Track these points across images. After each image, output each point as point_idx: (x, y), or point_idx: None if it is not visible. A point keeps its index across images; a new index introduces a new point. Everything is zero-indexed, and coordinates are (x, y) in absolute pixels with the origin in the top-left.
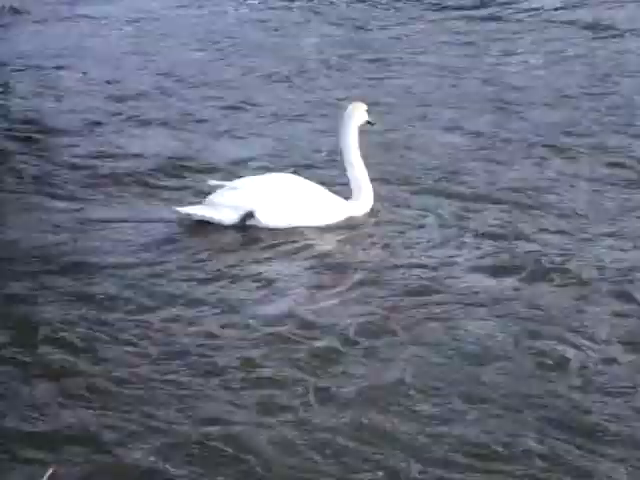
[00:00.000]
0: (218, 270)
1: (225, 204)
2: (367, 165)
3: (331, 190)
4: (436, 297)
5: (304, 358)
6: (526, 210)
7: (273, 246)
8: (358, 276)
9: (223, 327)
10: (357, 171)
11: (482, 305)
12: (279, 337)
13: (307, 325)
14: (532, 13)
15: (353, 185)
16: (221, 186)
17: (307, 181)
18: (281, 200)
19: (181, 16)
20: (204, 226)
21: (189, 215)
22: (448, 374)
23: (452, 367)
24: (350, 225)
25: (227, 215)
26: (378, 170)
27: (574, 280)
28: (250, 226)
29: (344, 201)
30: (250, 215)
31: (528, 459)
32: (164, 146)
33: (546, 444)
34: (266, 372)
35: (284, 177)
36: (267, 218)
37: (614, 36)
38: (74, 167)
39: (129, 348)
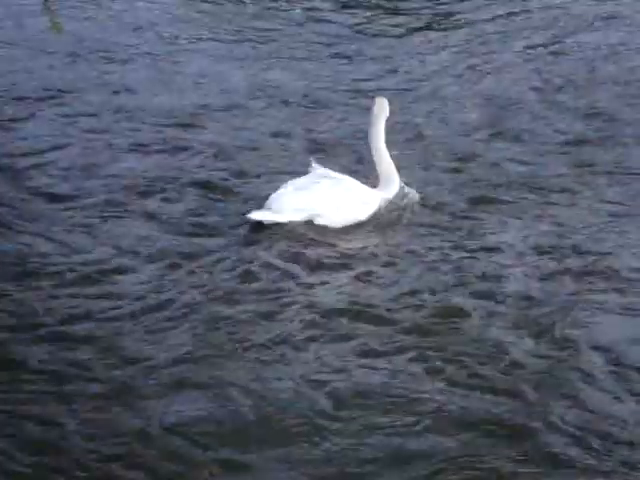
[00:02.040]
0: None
1: (291, 207)
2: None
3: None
4: None
5: None
6: None
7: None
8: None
9: None
10: (385, 160)
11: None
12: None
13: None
14: None
15: (380, 174)
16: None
17: (347, 176)
18: (339, 201)
19: None
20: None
21: (260, 221)
22: None
23: None
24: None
25: (295, 217)
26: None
27: None
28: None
29: (378, 191)
30: (313, 216)
31: None
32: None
33: None
34: None
35: (330, 175)
36: (329, 219)
37: None
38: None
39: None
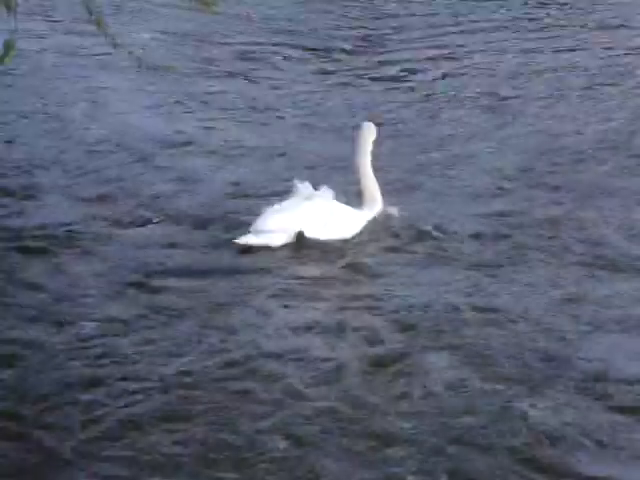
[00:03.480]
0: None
1: (276, 228)
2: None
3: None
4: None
5: None
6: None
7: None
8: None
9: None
10: (370, 182)
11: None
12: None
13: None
14: None
15: (366, 194)
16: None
17: (331, 196)
18: (323, 218)
19: None
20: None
21: (247, 245)
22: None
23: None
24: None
25: (281, 238)
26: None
27: None
28: (301, 243)
29: (360, 212)
30: (301, 234)
31: None
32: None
33: None
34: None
35: (315, 195)
36: (315, 234)
37: None
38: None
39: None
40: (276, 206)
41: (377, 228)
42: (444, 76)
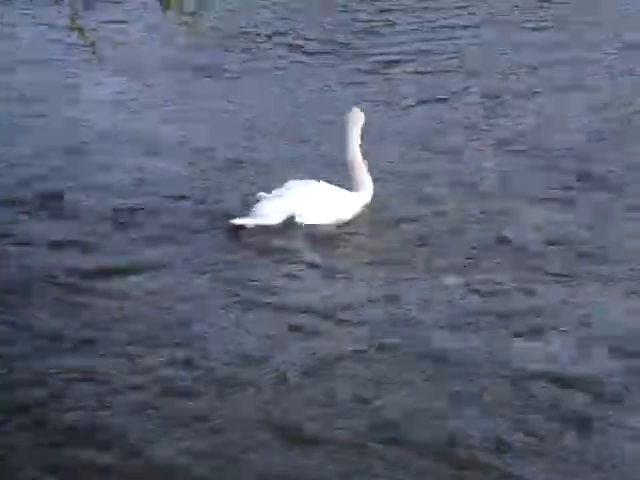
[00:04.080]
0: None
1: (272, 211)
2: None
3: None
4: None
5: None
6: None
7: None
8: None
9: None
10: (360, 167)
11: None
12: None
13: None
14: None
15: (356, 180)
16: (266, 196)
17: (327, 184)
18: (321, 200)
19: None
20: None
21: (244, 225)
22: None
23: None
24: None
25: (274, 219)
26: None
27: None
28: (293, 225)
29: (355, 194)
30: (293, 217)
31: None
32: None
33: None
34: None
35: (313, 183)
36: (307, 219)
37: None
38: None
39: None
40: (273, 192)
41: (368, 214)
42: (438, 69)
